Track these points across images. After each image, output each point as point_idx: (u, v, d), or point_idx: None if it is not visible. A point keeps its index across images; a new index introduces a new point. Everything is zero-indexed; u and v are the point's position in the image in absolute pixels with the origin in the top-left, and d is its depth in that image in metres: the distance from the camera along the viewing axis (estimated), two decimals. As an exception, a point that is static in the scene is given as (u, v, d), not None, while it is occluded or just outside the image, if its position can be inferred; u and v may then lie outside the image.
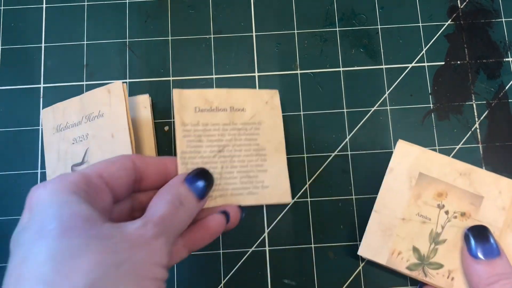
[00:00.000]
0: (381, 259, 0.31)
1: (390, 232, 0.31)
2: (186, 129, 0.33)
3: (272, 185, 0.33)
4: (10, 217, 0.36)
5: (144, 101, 0.37)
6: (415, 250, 0.31)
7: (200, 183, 0.27)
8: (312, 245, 0.35)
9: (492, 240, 0.28)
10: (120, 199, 0.26)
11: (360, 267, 0.34)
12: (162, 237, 0.23)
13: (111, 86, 0.34)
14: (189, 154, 0.32)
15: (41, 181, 0.36)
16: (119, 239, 0.21)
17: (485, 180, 0.31)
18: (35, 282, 0.19)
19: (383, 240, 0.31)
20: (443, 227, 0.30)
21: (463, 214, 0.30)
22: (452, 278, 0.30)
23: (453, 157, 0.36)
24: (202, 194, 0.27)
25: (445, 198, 0.31)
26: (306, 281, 0.34)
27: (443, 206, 0.31)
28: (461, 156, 0.36)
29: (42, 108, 0.37)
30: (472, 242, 0.28)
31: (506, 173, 0.36)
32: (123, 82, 0.34)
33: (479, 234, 0.28)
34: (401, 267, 0.31)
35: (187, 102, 0.33)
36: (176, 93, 0.33)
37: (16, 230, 0.22)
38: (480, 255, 0.28)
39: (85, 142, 0.34)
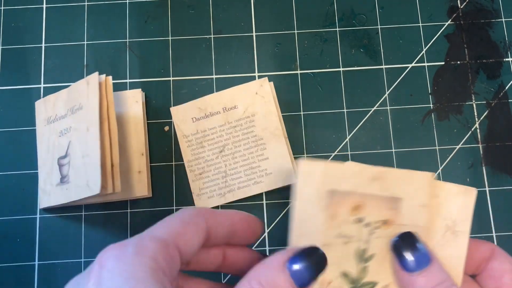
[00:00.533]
0: None
1: None
2: (188, 140, 0.36)
3: (275, 171, 0.35)
4: (10, 217, 0.36)
5: (135, 95, 0.36)
6: (345, 275, 0.27)
7: (308, 271, 0.21)
8: (312, 245, 0.35)
9: (420, 246, 0.25)
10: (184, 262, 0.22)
11: (360, 267, 0.34)
12: None
13: (89, 77, 0.33)
14: (194, 162, 0.35)
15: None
16: None
17: (399, 179, 0.27)
18: None
19: None
20: (367, 242, 0.27)
21: (385, 222, 0.27)
22: None
23: (453, 157, 0.36)
24: (306, 284, 0.21)
25: (363, 209, 0.27)
26: (306, 281, 0.34)
27: (363, 219, 0.27)
28: (461, 156, 0.36)
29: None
30: (400, 253, 0.26)
31: (506, 173, 0.36)
32: (106, 76, 0.33)
33: (405, 243, 0.26)
34: None
35: (184, 116, 0.36)
36: (173, 111, 0.36)
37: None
38: (411, 266, 0.25)
39: (69, 135, 0.33)
